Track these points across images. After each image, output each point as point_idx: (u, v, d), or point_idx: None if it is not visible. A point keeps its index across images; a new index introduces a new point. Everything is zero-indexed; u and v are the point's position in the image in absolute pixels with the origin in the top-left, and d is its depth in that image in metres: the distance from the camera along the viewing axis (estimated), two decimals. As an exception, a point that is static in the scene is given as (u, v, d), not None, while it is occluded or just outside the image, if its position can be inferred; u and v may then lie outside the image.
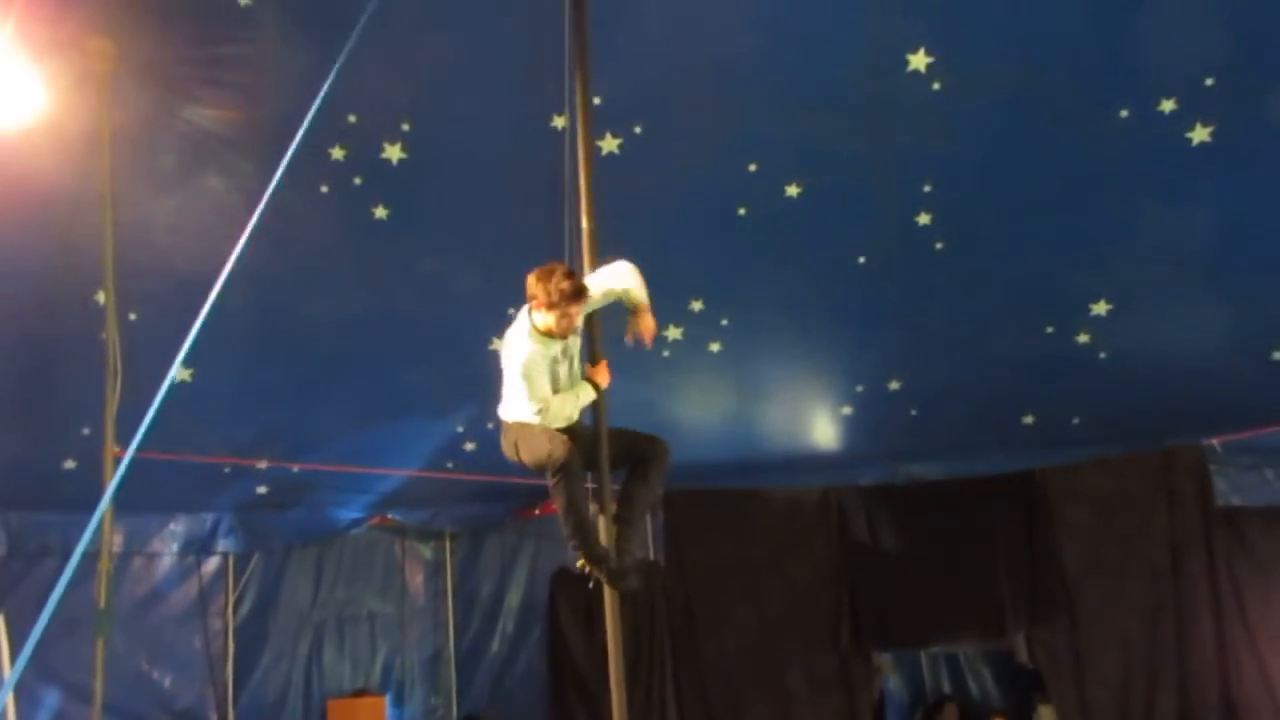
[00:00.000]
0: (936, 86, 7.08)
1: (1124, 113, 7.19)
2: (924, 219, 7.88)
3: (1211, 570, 9.28)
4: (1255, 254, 7.95)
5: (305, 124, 4.34)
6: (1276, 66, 6.93)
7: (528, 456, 5.44)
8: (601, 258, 5.58)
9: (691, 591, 9.95)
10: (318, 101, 4.46)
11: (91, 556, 6.45)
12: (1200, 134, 7.26)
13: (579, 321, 5.31)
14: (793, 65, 7.02)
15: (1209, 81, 6.98)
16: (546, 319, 5.20)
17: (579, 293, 5.17)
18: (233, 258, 3.90)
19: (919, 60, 6.98)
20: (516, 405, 5.41)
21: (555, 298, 5.12)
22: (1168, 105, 7.13)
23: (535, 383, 5.27)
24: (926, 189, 7.73)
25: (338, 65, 4.63)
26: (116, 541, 8.20)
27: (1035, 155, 7.50)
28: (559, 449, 5.24)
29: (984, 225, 7.94)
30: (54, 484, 8.26)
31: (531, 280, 5.21)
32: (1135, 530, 9.51)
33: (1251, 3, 6.55)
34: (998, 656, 10.69)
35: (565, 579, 10.01)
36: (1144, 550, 9.46)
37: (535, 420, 5.35)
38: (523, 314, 5.36)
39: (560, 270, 5.18)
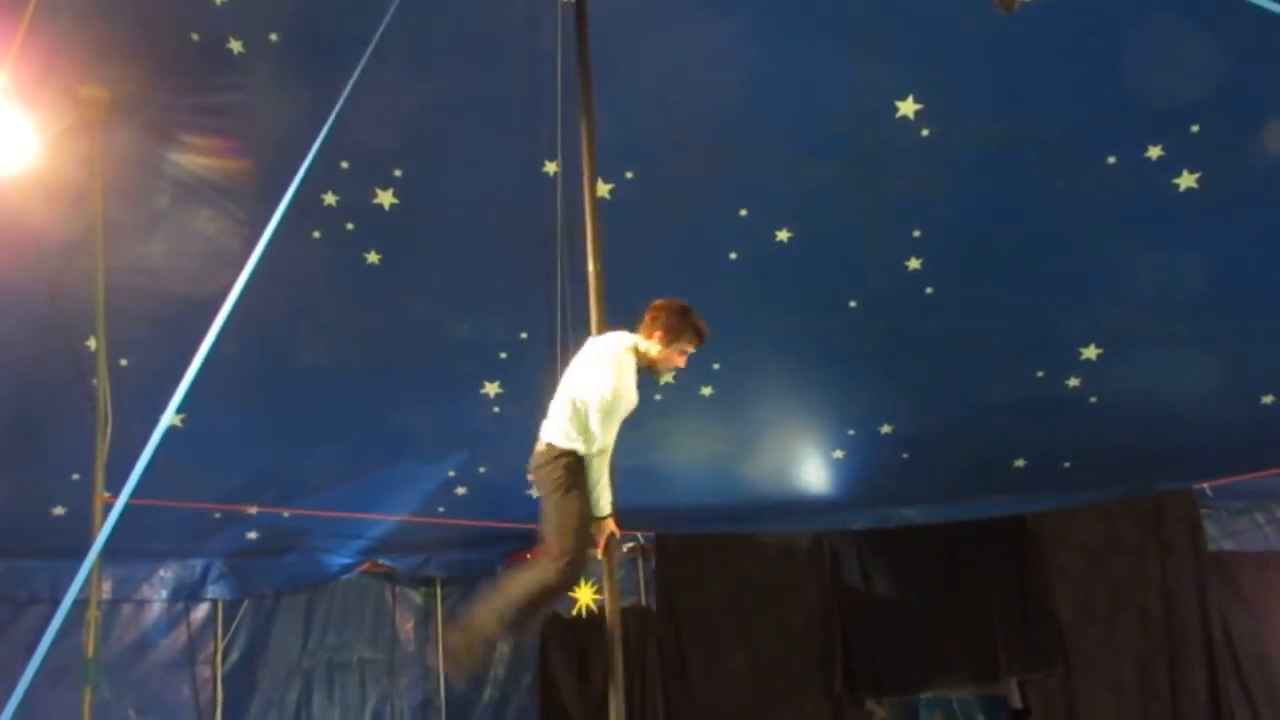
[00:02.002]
0: (925, 133, 7.14)
1: (1111, 159, 7.26)
2: (914, 264, 7.92)
3: (1204, 616, 9.24)
4: (1244, 298, 8.00)
5: (301, 171, 4.35)
6: (1261, 114, 7.00)
7: (558, 525, 5.05)
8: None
9: (684, 637, 9.87)
10: (314, 149, 4.48)
11: (80, 604, 6.41)
12: (1187, 180, 7.32)
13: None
14: (783, 111, 7.08)
15: (1195, 128, 7.05)
16: (658, 350, 5.08)
17: (704, 339, 5.13)
18: (227, 306, 3.89)
19: (908, 107, 7.04)
20: (574, 434, 5.06)
21: (685, 334, 5.04)
22: (1155, 152, 7.20)
23: (614, 416, 4.96)
24: (916, 234, 7.77)
25: (333, 114, 4.65)
26: (105, 588, 8.13)
27: (1024, 201, 7.56)
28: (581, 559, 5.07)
29: (974, 270, 7.99)
30: (43, 530, 8.21)
31: (660, 308, 5.11)
32: (1127, 576, 9.47)
33: (1236, 51, 6.62)
34: (991, 702, 10.63)
35: (557, 625, 9.94)
36: (1136, 596, 9.42)
37: (595, 454, 5.03)
38: (612, 341, 5.21)
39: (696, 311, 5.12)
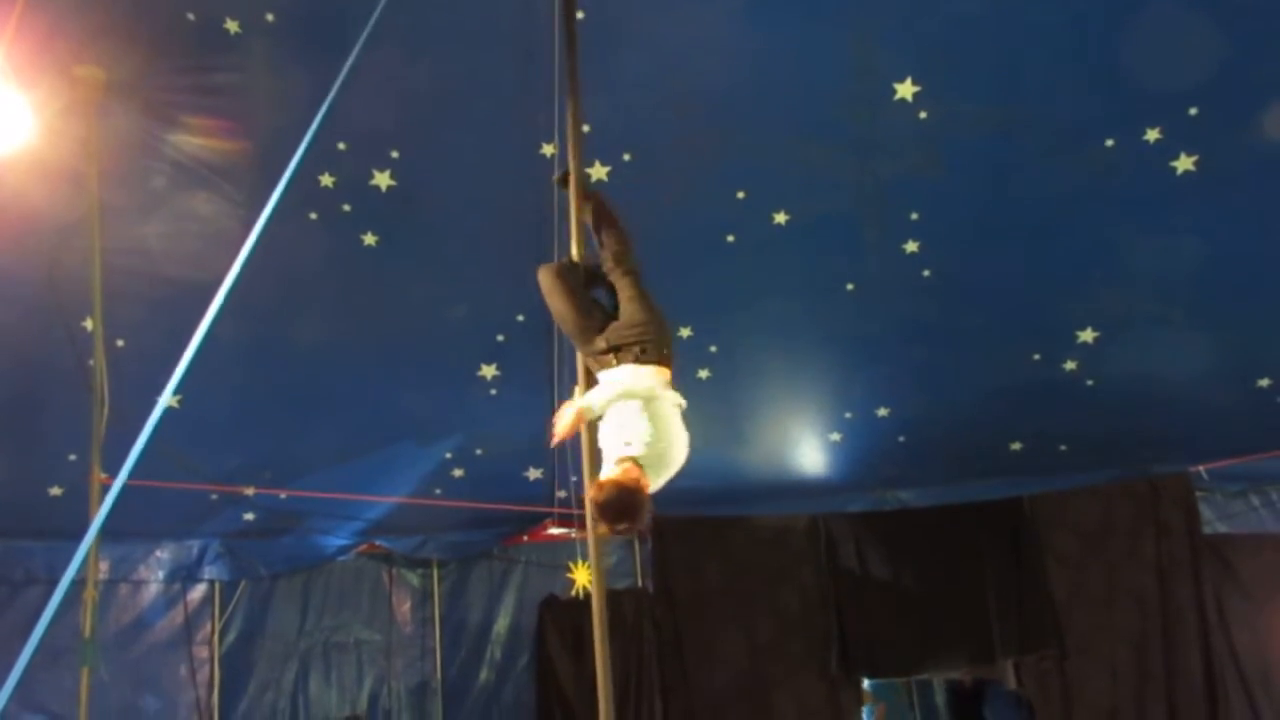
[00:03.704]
0: (923, 115, 7.12)
1: (1109, 142, 7.25)
2: (911, 247, 7.92)
3: (1198, 598, 9.29)
4: (1240, 282, 8.00)
5: (299, 153, 4.33)
6: (1259, 97, 6.99)
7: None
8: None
9: (680, 619, 9.90)
10: (312, 131, 4.46)
11: (77, 584, 6.41)
12: (1185, 163, 7.31)
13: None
14: (781, 93, 7.05)
15: (1193, 111, 7.04)
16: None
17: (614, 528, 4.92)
18: (224, 288, 3.88)
19: (906, 89, 7.02)
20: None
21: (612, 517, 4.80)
22: (1153, 135, 7.19)
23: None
24: (914, 217, 7.76)
25: (330, 95, 4.63)
26: (102, 569, 8.15)
27: (1022, 184, 7.55)
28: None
29: (971, 253, 7.98)
30: (40, 511, 8.22)
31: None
32: (1122, 558, 9.52)
33: (1234, 34, 6.60)
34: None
35: (553, 607, 9.97)
36: (1131, 578, 9.47)
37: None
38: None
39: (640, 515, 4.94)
